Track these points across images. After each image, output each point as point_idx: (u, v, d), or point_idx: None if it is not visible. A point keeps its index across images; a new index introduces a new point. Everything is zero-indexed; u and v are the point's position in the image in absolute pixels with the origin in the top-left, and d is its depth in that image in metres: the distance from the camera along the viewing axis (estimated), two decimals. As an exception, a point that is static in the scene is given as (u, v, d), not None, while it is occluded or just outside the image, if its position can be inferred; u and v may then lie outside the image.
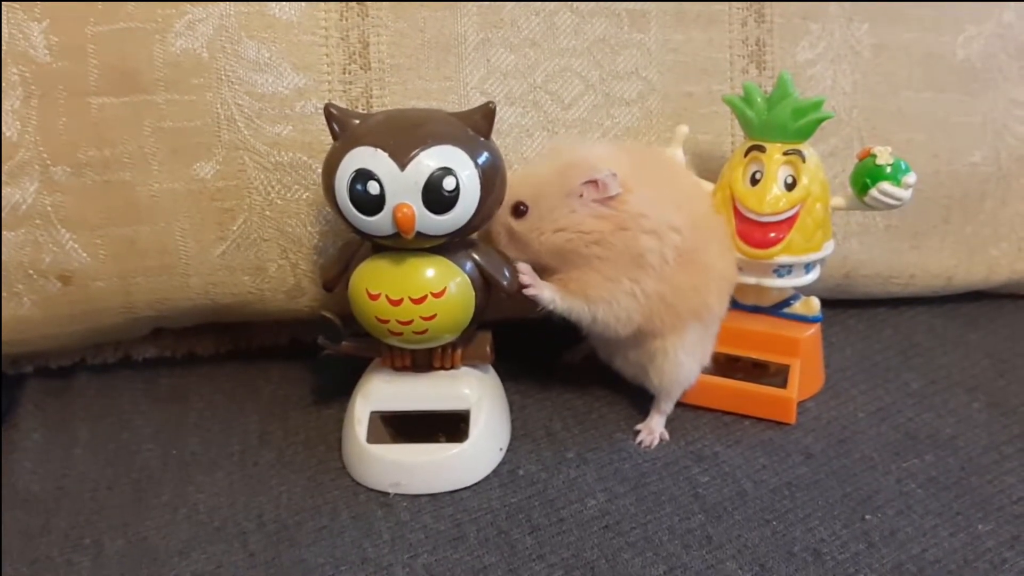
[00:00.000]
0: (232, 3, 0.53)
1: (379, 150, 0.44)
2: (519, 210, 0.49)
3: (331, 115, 0.46)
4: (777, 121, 0.53)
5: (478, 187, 0.45)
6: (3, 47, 0.52)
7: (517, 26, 0.57)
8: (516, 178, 0.50)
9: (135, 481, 0.51)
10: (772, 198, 0.53)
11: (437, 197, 0.44)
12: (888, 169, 0.52)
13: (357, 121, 0.47)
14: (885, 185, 0.52)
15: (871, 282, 0.65)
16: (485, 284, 0.49)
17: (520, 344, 0.56)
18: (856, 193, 0.53)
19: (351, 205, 0.45)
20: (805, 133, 0.54)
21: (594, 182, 0.47)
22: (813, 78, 0.60)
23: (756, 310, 0.57)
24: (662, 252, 0.48)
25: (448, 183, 0.44)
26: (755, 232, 0.54)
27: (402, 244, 0.46)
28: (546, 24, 0.57)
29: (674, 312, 0.50)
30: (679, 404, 0.54)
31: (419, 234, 0.45)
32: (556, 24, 0.57)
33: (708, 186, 0.56)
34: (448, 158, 0.45)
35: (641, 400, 0.55)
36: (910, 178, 0.52)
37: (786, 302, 0.57)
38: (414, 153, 0.44)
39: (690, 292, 0.50)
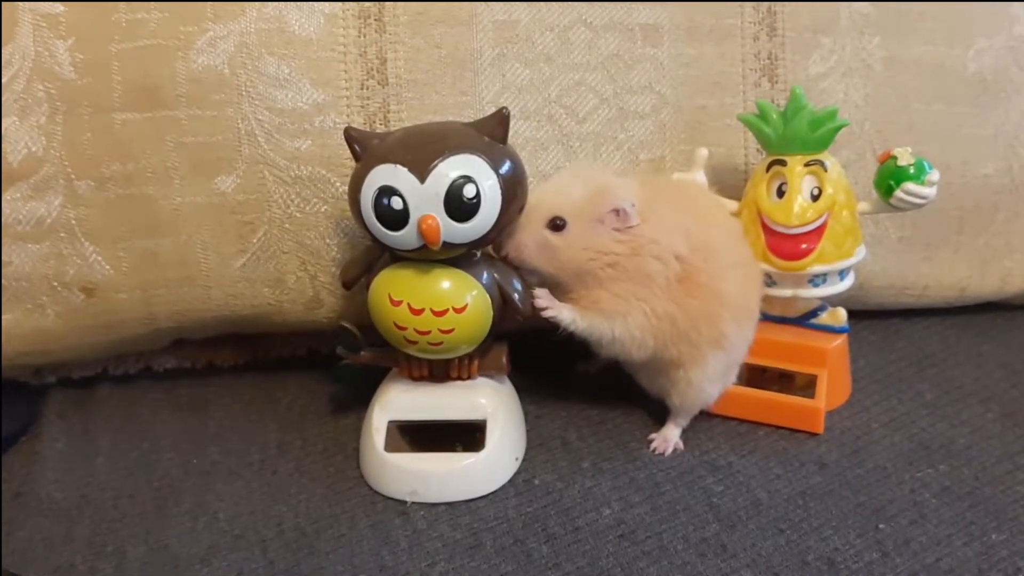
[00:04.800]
0: (252, 21, 0.54)
1: (399, 166, 0.45)
2: (556, 224, 0.50)
3: (351, 137, 0.48)
4: (795, 134, 0.54)
5: (499, 193, 0.46)
6: (30, 64, 0.53)
7: (532, 42, 0.57)
8: (550, 195, 0.51)
9: (156, 490, 0.52)
10: (799, 209, 0.53)
11: (459, 205, 0.45)
12: (911, 169, 0.53)
13: (376, 141, 0.48)
14: (910, 185, 0.52)
15: (884, 293, 0.65)
16: (503, 301, 0.50)
17: (536, 355, 0.56)
18: (881, 196, 0.54)
19: (377, 222, 0.46)
20: (824, 143, 0.54)
21: (616, 211, 0.49)
22: (825, 91, 0.60)
23: (783, 321, 0.57)
24: (666, 275, 0.50)
25: (468, 190, 0.45)
26: (786, 245, 0.54)
27: (427, 255, 0.47)
28: (560, 40, 0.58)
29: (690, 341, 0.51)
30: (699, 413, 0.55)
31: (444, 243, 0.46)
32: (570, 40, 0.58)
33: (732, 205, 0.57)
34: (466, 166, 0.46)
35: (656, 411, 0.55)
36: (933, 175, 0.53)
37: (813, 313, 0.57)
38: (432, 165, 0.45)
39: (702, 319, 0.50)
